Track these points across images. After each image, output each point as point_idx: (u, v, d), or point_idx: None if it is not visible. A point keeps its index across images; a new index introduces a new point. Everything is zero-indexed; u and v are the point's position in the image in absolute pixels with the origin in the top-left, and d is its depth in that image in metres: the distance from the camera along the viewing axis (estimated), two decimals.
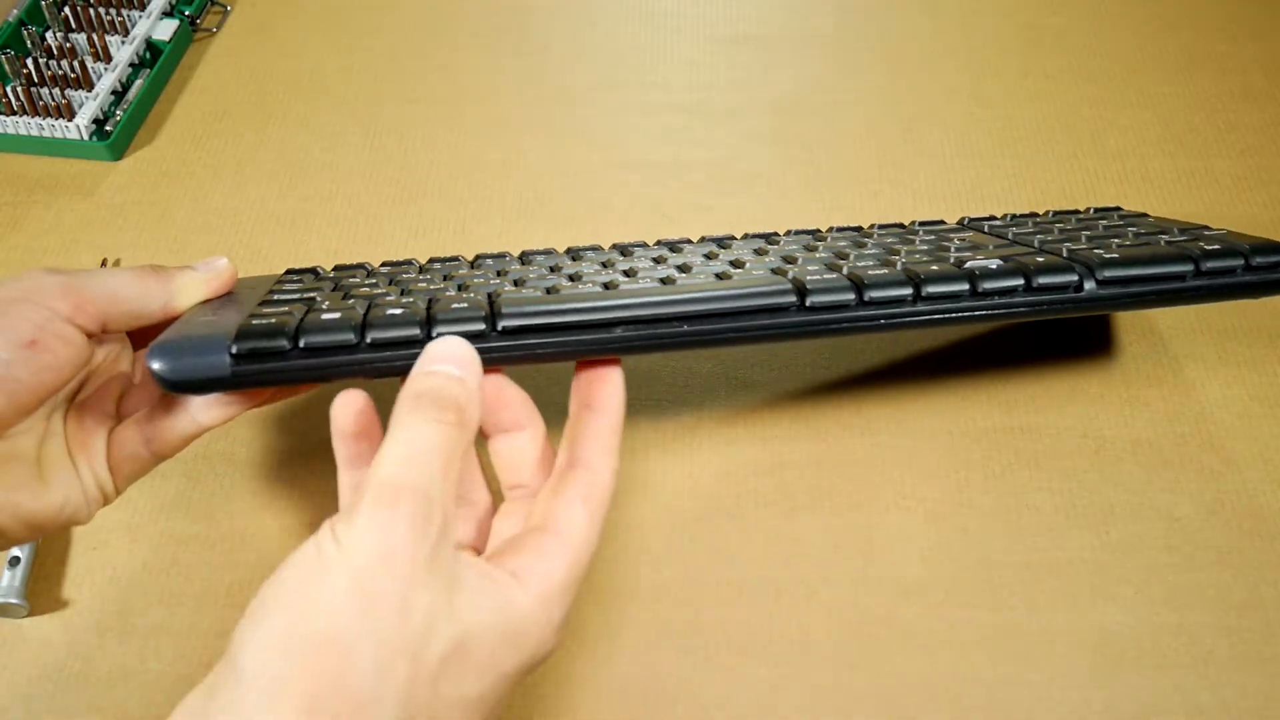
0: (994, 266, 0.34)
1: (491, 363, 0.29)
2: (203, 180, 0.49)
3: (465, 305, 0.30)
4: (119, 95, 0.51)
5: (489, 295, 0.31)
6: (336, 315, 0.29)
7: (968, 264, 0.34)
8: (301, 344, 0.29)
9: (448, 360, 0.28)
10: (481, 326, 0.29)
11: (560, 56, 0.54)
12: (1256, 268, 0.35)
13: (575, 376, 0.31)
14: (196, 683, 0.23)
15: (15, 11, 0.52)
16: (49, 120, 0.48)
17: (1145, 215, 0.42)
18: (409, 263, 0.39)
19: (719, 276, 0.33)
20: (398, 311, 0.29)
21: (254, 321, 0.29)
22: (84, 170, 0.49)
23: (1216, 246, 0.35)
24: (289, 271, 0.38)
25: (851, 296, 0.32)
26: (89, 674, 0.35)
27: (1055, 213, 0.43)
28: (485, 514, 0.32)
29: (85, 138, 0.48)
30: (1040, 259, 0.35)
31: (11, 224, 0.47)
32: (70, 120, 0.48)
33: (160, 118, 0.51)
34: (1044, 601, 0.36)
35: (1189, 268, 0.35)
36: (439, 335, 0.29)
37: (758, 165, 0.49)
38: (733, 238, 0.40)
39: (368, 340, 0.29)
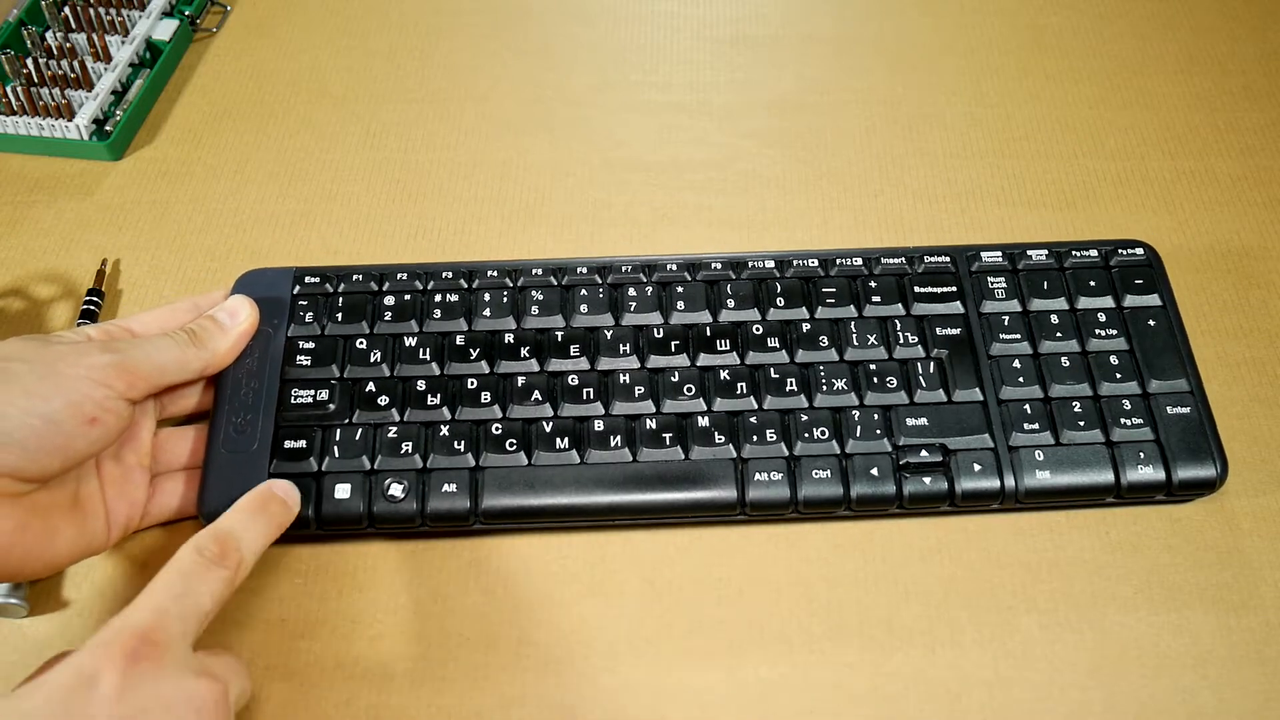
0: (926, 481, 0.37)
1: (473, 532, 0.38)
2: (203, 180, 0.49)
3: (454, 489, 0.36)
4: (119, 95, 0.51)
5: (471, 473, 0.37)
6: (347, 494, 0.36)
7: (904, 461, 0.37)
8: (322, 518, 0.36)
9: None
10: (466, 507, 0.36)
11: (560, 56, 0.54)
12: (1178, 486, 0.37)
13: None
14: None
15: (15, 11, 0.51)
16: (49, 120, 0.48)
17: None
18: (413, 286, 0.41)
19: (671, 459, 0.37)
20: (398, 493, 0.36)
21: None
22: (84, 170, 0.49)
23: (1145, 469, 0.37)
24: (297, 288, 0.41)
25: (786, 495, 0.36)
26: None
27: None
28: None
29: (85, 138, 0.48)
30: (976, 466, 0.37)
31: (11, 224, 0.47)
32: (70, 120, 0.48)
33: (160, 118, 0.51)
34: (1044, 601, 0.36)
35: (1110, 482, 0.37)
36: (429, 513, 0.36)
37: (758, 165, 0.49)
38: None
39: (373, 516, 0.36)
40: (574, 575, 0.37)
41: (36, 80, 0.50)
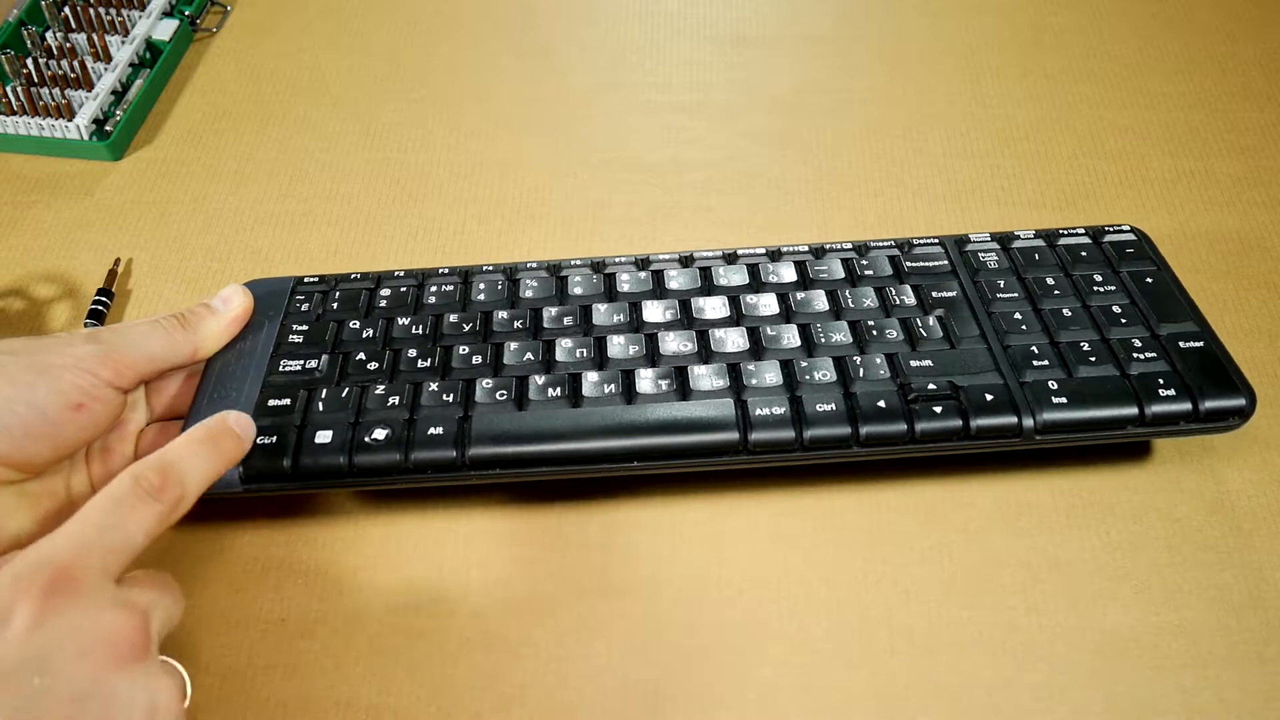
0: (937, 410, 0.35)
1: (460, 484, 0.36)
2: (203, 180, 0.49)
3: (440, 432, 0.35)
4: (119, 95, 0.51)
5: (459, 421, 0.35)
6: (328, 439, 0.35)
7: (913, 395, 0.35)
8: (300, 466, 0.35)
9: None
10: (453, 454, 0.35)
11: (560, 56, 0.54)
12: (1205, 415, 0.36)
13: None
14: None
15: (15, 11, 0.52)
16: (49, 120, 0.48)
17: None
18: (409, 282, 0.41)
19: (669, 404, 0.36)
20: (381, 437, 0.35)
21: (260, 440, 0.35)
22: (84, 170, 0.49)
23: (1168, 395, 0.36)
24: (297, 287, 0.41)
25: (791, 435, 0.35)
26: None
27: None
28: None
29: (85, 138, 0.48)
30: (988, 396, 0.35)
31: (11, 224, 0.47)
32: (70, 120, 0.48)
33: (160, 118, 0.51)
34: (1044, 601, 0.36)
35: (1133, 413, 0.35)
36: (413, 460, 0.35)
37: (758, 165, 0.49)
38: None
39: (355, 465, 0.35)
40: (572, 574, 0.37)
41: (36, 80, 0.50)
